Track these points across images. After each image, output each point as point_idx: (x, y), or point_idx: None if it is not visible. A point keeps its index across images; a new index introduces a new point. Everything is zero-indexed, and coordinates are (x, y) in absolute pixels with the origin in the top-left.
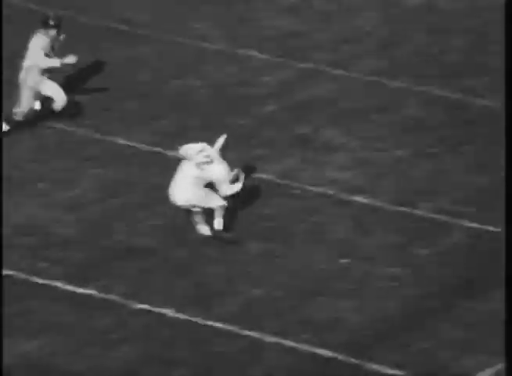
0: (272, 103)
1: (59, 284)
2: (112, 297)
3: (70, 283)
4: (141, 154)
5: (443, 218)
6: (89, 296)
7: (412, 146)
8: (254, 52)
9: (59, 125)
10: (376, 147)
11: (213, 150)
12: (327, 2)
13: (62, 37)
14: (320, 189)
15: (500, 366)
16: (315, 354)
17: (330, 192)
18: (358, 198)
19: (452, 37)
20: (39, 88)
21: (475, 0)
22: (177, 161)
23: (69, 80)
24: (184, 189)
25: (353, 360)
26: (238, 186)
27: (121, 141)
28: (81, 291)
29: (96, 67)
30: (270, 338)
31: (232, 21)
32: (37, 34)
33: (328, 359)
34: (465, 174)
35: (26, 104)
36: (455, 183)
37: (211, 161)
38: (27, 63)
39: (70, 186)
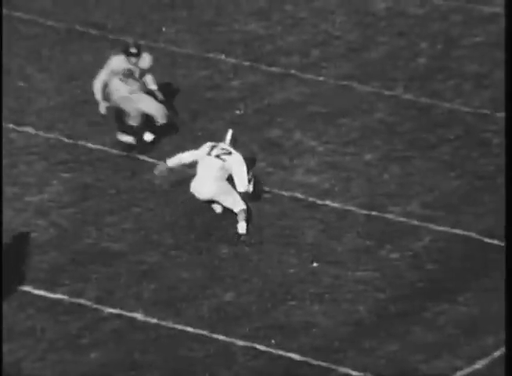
0: (242, 106)
1: (29, 289)
2: (82, 301)
3: (40, 287)
4: (112, 158)
5: (413, 221)
6: (60, 300)
7: (382, 149)
8: (224, 56)
9: (30, 129)
10: (346, 151)
11: (225, 145)
12: (297, 7)
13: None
14: (290, 193)
15: (470, 369)
16: (285, 358)
17: (300, 196)
18: (328, 202)
19: (421, 41)
20: (137, 107)
21: (442, 4)
22: (148, 164)
23: (39, 84)
24: (209, 183)
25: (324, 364)
26: (251, 187)
27: (92, 145)
28: (51, 295)
29: (66, 71)
30: (241, 342)
31: (202, 25)
32: (117, 56)
33: (299, 363)
34: (434, 177)
35: (134, 113)
36: (424, 187)
37: (230, 152)
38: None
39: (41, 190)
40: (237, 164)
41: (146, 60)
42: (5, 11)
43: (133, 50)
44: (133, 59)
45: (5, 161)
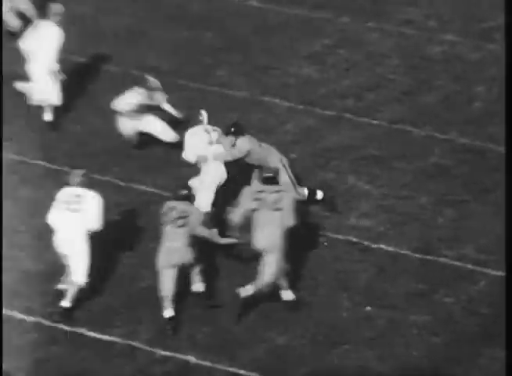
0: (295, 149)
1: (83, 331)
2: (136, 343)
3: (94, 329)
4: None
5: (468, 265)
6: (113, 343)
7: (437, 193)
8: (278, 100)
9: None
10: (400, 195)
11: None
12: (350, 50)
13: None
14: (344, 237)
15: None
16: None
17: (354, 239)
18: (383, 246)
19: (475, 85)
20: None
21: (496, 49)
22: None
23: (94, 127)
24: None
25: None
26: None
27: (145, 188)
28: (105, 337)
29: None
30: None
31: (256, 69)
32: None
33: None
34: (489, 221)
35: None
36: (479, 231)
37: None
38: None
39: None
40: None
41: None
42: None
43: (233, 129)
44: (232, 139)
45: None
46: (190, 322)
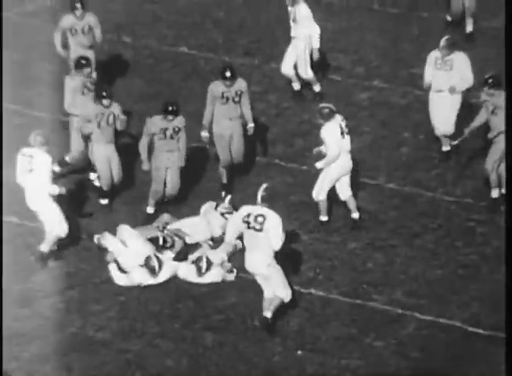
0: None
1: None
2: None
3: None
4: (95, 248)
5: (397, 310)
6: None
7: (366, 238)
8: (208, 147)
9: (13, 219)
10: (330, 240)
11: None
12: (280, 97)
13: None
14: None
15: None
16: None
17: None
18: (312, 290)
19: (403, 131)
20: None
21: (423, 95)
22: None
23: None
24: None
25: None
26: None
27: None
28: None
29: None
30: None
31: (188, 115)
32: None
33: None
34: (418, 266)
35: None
36: (408, 275)
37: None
38: None
39: (24, 279)
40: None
41: None
42: None
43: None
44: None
45: None
46: (121, 367)
